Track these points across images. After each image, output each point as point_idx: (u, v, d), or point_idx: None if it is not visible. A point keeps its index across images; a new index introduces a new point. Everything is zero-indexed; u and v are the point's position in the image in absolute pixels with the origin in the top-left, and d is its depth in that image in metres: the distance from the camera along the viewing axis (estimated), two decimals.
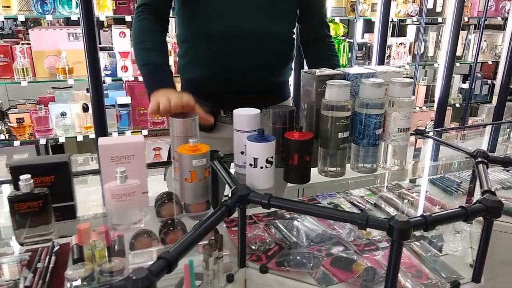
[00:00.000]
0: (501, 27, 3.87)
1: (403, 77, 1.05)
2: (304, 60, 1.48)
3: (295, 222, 1.14)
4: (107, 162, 0.78)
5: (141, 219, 0.78)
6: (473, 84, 3.51)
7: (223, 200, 0.86)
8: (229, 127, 1.32)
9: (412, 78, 3.24)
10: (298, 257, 1.00)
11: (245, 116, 0.99)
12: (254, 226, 1.15)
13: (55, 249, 0.99)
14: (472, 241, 1.13)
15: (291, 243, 1.06)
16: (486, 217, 0.87)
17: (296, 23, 1.38)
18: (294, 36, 1.37)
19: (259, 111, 1.01)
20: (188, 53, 1.31)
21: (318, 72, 1.03)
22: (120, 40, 2.22)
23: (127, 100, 2.34)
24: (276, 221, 1.17)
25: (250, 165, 0.95)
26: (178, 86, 1.20)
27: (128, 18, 2.21)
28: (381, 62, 2.84)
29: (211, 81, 1.29)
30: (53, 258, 0.95)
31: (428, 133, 1.38)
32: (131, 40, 3.22)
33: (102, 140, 0.78)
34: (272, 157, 0.94)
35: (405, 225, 0.75)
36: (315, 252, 1.02)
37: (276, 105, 1.18)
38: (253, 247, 1.04)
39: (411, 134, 1.28)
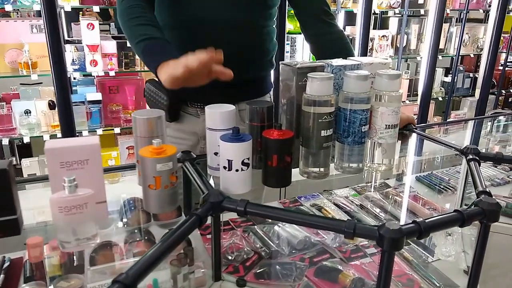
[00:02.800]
0: (483, 20, 3.85)
1: (390, 69, 0.97)
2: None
3: (276, 228, 1.06)
4: (55, 169, 0.67)
5: (96, 234, 0.68)
6: (455, 77, 3.48)
7: (192, 209, 0.77)
8: (195, 120, 1.23)
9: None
10: (278, 268, 0.91)
11: (218, 113, 0.89)
12: (232, 232, 1.06)
13: (5, 265, 0.88)
14: (465, 244, 1.06)
15: (271, 251, 0.97)
16: (483, 221, 0.80)
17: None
18: (273, 26, 1.27)
19: (233, 107, 0.91)
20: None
21: (298, 63, 0.93)
22: (88, 33, 2.08)
23: (98, 96, 2.20)
24: (256, 226, 1.08)
25: (224, 167, 0.85)
26: None
27: (96, 8, 2.07)
28: (364, 55, 2.77)
29: None
30: (1, 276, 0.84)
31: (416, 128, 1.31)
32: (115, 30, 3.10)
33: (49, 143, 0.68)
34: (248, 159, 0.85)
35: (397, 233, 0.67)
36: (298, 261, 0.93)
37: (253, 100, 1.08)
38: (230, 257, 0.95)
39: (400, 130, 1.20)
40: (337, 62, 0.97)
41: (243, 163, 0.84)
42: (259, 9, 1.21)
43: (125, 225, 0.96)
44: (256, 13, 1.20)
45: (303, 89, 0.91)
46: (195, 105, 1.23)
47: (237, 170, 0.84)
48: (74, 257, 0.85)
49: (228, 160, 0.84)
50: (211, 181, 0.93)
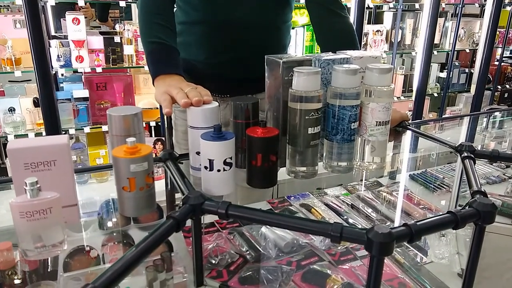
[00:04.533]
0: (479, 14, 3.81)
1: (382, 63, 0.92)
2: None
3: (263, 229, 1.01)
4: (19, 171, 0.62)
5: (63, 240, 0.63)
6: (451, 73, 3.44)
7: (170, 212, 0.72)
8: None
9: None
10: (264, 272, 0.86)
11: (199, 110, 0.85)
12: (217, 235, 1.02)
13: None
14: (459, 245, 1.02)
15: (257, 254, 0.93)
16: (478, 223, 0.76)
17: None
18: (291, 21, 1.30)
19: (216, 104, 0.87)
20: (184, 34, 1.24)
21: (284, 57, 0.88)
22: (74, 28, 2.02)
23: (85, 93, 2.14)
24: (242, 228, 1.03)
25: (206, 168, 0.80)
26: None
27: (81, 2, 2.01)
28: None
29: (206, 64, 1.25)
30: None
31: (409, 125, 1.26)
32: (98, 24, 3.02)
33: (12, 143, 0.63)
34: (231, 158, 0.80)
35: (387, 238, 0.63)
36: (284, 265, 0.89)
37: (238, 96, 1.03)
38: (213, 261, 0.91)
39: (393, 128, 1.16)
40: (326, 55, 0.93)
41: (225, 163, 0.79)
42: (283, 8, 1.24)
43: (103, 228, 0.92)
44: (280, 12, 1.23)
45: (290, 84, 0.87)
46: (215, 95, 1.25)
47: (218, 170, 0.79)
48: (48, 262, 0.81)
49: (209, 160, 0.79)
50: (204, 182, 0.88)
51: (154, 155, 0.80)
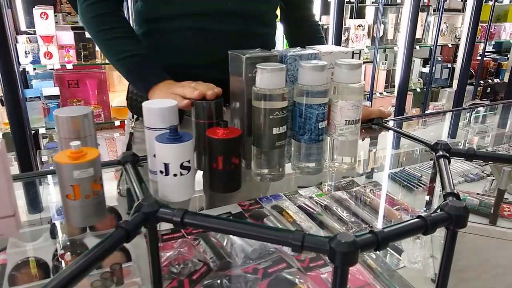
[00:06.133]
0: (461, 9, 3.80)
1: (359, 59, 0.87)
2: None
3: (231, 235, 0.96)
4: None
5: None
6: (433, 68, 3.42)
7: (120, 221, 0.67)
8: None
9: (371, 62, 3.12)
10: (226, 282, 0.82)
11: (156, 110, 0.79)
12: (181, 241, 0.96)
13: None
14: (434, 248, 0.98)
15: (222, 262, 0.88)
16: (450, 228, 0.72)
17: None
18: (276, 17, 1.20)
19: (175, 102, 0.81)
20: (156, 34, 1.07)
21: (248, 52, 0.83)
22: (42, 22, 1.94)
23: (55, 91, 2.06)
24: (209, 233, 0.98)
25: (161, 172, 0.75)
26: None
27: None
28: (337, 45, 2.68)
29: (183, 67, 1.06)
30: None
31: (386, 122, 1.22)
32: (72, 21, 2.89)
33: None
34: (189, 161, 0.75)
35: (351, 247, 0.58)
36: (249, 273, 0.84)
37: None
38: (175, 270, 0.85)
39: (372, 124, 1.12)
40: (293, 51, 0.88)
41: (182, 167, 0.74)
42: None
43: (55, 237, 0.86)
44: (268, 4, 1.12)
45: (254, 81, 0.81)
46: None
47: (175, 175, 0.74)
48: None
49: (165, 164, 0.73)
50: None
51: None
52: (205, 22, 1.02)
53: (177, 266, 0.86)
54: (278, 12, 1.23)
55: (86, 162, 0.64)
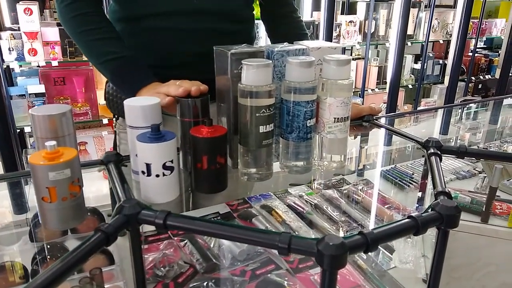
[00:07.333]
0: (452, 5, 3.80)
1: (350, 55, 0.85)
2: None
3: None
4: None
5: None
6: (425, 64, 3.41)
7: (100, 224, 0.64)
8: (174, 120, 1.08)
9: (363, 58, 3.10)
10: (213, 284, 0.79)
11: (138, 108, 0.76)
12: (167, 242, 0.94)
13: None
14: (425, 247, 0.96)
15: (208, 264, 0.85)
16: (441, 227, 0.70)
17: None
18: (253, 13, 1.16)
19: (158, 100, 0.78)
20: (127, 34, 1.03)
21: (233, 48, 0.80)
22: (26, 18, 1.89)
23: (41, 88, 2.01)
24: (195, 234, 0.95)
25: (143, 172, 0.72)
26: None
27: None
28: (329, 41, 2.66)
29: (155, 67, 1.01)
30: None
31: (377, 119, 1.20)
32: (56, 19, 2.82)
33: None
34: (172, 161, 0.72)
35: (339, 250, 0.56)
36: (237, 275, 0.82)
37: None
38: (159, 273, 0.83)
39: (362, 121, 1.09)
40: (280, 46, 0.85)
41: (164, 167, 0.71)
42: None
43: (34, 240, 0.83)
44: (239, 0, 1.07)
45: (239, 78, 0.79)
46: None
47: (157, 176, 0.71)
48: None
49: (147, 164, 0.71)
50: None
51: None
52: (173, 22, 1.00)
53: (162, 268, 0.83)
54: (258, 8, 1.20)
55: (62, 163, 0.61)
